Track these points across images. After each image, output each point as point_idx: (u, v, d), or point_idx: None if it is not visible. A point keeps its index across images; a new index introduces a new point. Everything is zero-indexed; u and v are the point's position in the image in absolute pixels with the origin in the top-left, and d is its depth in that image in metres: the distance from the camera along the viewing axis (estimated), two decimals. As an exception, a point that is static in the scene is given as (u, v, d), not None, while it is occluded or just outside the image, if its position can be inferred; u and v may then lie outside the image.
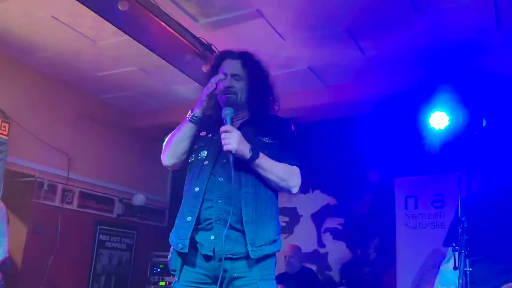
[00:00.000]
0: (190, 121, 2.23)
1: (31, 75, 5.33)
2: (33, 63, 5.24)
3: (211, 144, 2.25)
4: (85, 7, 3.66)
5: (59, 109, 5.60)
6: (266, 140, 2.24)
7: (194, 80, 4.40)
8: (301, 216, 6.31)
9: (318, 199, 6.26)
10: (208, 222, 2.11)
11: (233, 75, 2.29)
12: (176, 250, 2.15)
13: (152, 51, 4.18)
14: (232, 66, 2.32)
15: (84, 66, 5.28)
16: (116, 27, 3.87)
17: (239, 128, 2.19)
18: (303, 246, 5.57)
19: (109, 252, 6.22)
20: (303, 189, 6.34)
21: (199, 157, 2.24)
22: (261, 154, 2.13)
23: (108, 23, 3.87)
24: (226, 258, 2.05)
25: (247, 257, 2.07)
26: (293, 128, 2.38)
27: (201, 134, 2.31)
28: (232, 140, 2.08)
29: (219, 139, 2.13)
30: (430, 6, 3.96)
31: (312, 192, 6.31)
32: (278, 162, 2.18)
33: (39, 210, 5.30)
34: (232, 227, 2.06)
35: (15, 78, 5.14)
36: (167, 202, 7.13)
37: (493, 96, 4.92)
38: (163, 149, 2.33)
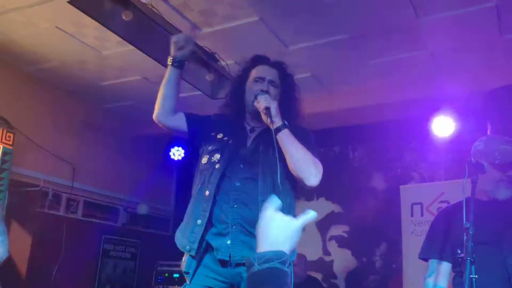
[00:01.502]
0: (171, 64, 2.27)
1: (35, 85, 5.35)
2: (37, 73, 5.27)
3: (226, 148, 2.25)
4: (89, 18, 3.68)
5: (63, 119, 5.62)
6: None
7: (197, 89, 4.41)
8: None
9: (323, 207, 6.23)
10: (224, 226, 2.09)
11: (270, 82, 2.33)
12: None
13: (156, 60, 4.19)
14: (270, 72, 2.36)
15: (89, 76, 5.31)
16: (120, 37, 3.88)
17: (260, 134, 2.20)
18: (308, 254, 5.54)
19: (113, 261, 6.21)
20: (308, 196, 6.34)
21: (212, 160, 2.23)
22: (288, 131, 2.13)
23: (112, 33, 3.90)
24: (241, 264, 2.03)
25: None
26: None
27: (217, 136, 2.31)
28: (272, 102, 2.13)
29: (235, 143, 2.14)
30: (433, 13, 3.96)
31: (317, 200, 6.30)
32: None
33: (44, 220, 5.31)
34: (248, 233, 2.04)
35: (19, 88, 5.17)
36: (171, 211, 7.12)
37: (497, 102, 4.90)
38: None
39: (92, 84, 5.47)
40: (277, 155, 2.06)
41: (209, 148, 2.28)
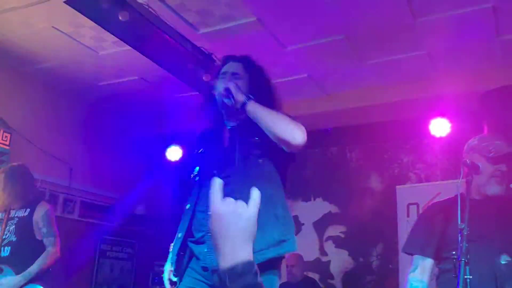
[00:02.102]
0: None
1: (32, 85, 5.35)
2: (34, 73, 5.26)
3: (202, 159, 2.30)
4: (86, 18, 3.68)
5: (60, 119, 5.62)
6: (258, 139, 2.18)
7: (195, 89, 4.41)
8: (303, 224, 6.28)
9: (320, 207, 6.24)
10: (201, 234, 2.13)
11: (233, 74, 2.32)
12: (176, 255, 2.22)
13: (152, 60, 4.19)
14: (232, 66, 2.36)
15: (85, 76, 5.30)
16: (117, 37, 3.89)
17: (233, 130, 2.23)
18: (305, 254, 5.54)
19: (110, 261, 6.20)
20: (305, 197, 6.34)
21: (193, 174, 2.30)
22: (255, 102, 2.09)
23: (108, 33, 3.90)
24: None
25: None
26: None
27: (198, 152, 2.37)
28: (229, 82, 2.11)
29: (211, 154, 2.19)
30: (429, 14, 3.97)
31: (314, 200, 6.30)
32: None
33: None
34: None
35: (16, 88, 5.16)
36: (168, 211, 7.11)
37: (494, 103, 4.92)
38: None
39: (89, 84, 5.47)
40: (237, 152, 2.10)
41: (194, 165, 2.36)
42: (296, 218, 6.29)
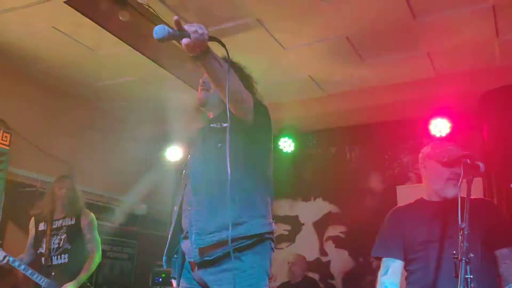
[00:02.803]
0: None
1: (32, 85, 5.34)
2: (33, 74, 5.25)
3: (190, 155, 2.32)
4: (86, 18, 3.69)
5: (60, 119, 5.61)
6: (218, 125, 2.19)
7: (195, 89, 4.41)
8: (303, 224, 6.29)
9: (320, 207, 6.24)
10: (186, 230, 2.16)
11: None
12: (173, 259, 2.27)
13: (152, 60, 4.19)
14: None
15: (85, 76, 5.30)
16: (117, 37, 3.89)
17: (203, 129, 2.27)
18: (305, 254, 5.55)
19: (110, 262, 6.20)
20: (305, 197, 6.35)
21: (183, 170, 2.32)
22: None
23: (108, 33, 3.90)
24: (201, 265, 2.09)
25: (195, 245, 2.04)
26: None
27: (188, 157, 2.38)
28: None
29: (191, 153, 2.24)
30: (429, 14, 3.97)
31: (314, 200, 6.31)
32: None
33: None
34: (201, 231, 2.07)
35: (16, 89, 5.16)
36: (168, 211, 7.11)
37: (494, 103, 4.92)
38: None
39: (89, 84, 5.46)
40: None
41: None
42: (296, 218, 6.31)
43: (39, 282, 3.71)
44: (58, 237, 3.87)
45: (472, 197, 2.10)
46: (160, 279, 5.98)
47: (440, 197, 2.43)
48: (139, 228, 6.62)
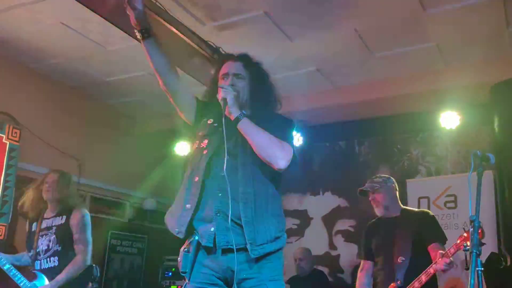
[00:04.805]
0: (142, 39, 2.27)
1: (41, 81, 5.37)
2: (42, 70, 5.28)
3: (214, 134, 2.27)
4: (94, 13, 3.69)
5: (69, 115, 5.64)
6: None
7: (202, 84, 4.40)
8: (312, 218, 6.28)
9: (329, 201, 6.23)
10: (208, 213, 2.13)
11: (235, 75, 2.34)
12: (184, 252, 2.16)
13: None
14: (233, 66, 2.37)
15: (93, 72, 5.32)
16: (125, 32, 3.89)
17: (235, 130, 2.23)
18: (314, 248, 5.54)
19: (120, 256, 6.24)
20: (314, 191, 6.33)
21: (201, 146, 2.27)
22: (248, 119, 2.16)
23: (116, 28, 3.90)
24: (227, 250, 2.07)
25: (251, 255, 2.07)
26: (292, 126, 2.37)
27: (208, 122, 2.34)
28: (229, 92, 2.16)
29: (221, 132, 2.16)
30: (439, 5, 3.93)
31: (323, 194, 6.29)
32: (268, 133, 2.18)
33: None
34: (231, 221, 2.08)
35: (25, 85, 5.19)
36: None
37: (504, 95, 4.87)
38: None
39: (97, 79, 5.48)
40: (225, 145, 2.08)
41: (200, 133, 2.33)
42: (305, 212, 6.30)
43: (19, 285, 3.46)
44: (47, 237, 3.55)
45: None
46: (170, 274, 6.01)
47: (385, 215, 3.55)
48: (149, 222, 6.65)
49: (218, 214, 2.10)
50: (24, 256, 3.75)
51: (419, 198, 5.39)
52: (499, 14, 4.00)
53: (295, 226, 6.27)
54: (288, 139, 2.23)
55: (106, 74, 5.38)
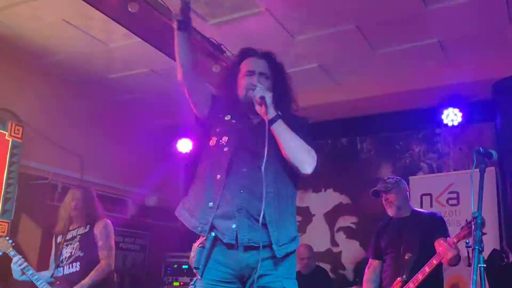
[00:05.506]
0: (177, 29, 2.26)
1: (43, 78, 5.37)
2: (45, 67, 5.28)
3: (234, 131, 2.24)
4: (96, 10, 3.69)
5: (71, 112, 5.64)
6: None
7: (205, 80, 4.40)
8: (314, 215, 6.28)
9: (331, 198, 6.23)
10: (230, 210, 2.10)
11: (261, 74, 2.30)
12: (199, 248, 2.14)
13: (162, 52, 4.19)
14: (259, 64, 2.33)
15: (96, 69, 5.32)
16: (127, 29, 3.89)
17: (259, 124, 2.21)
18: (316, 245, 5.54)
19: (123, 253, 6.25)
20: (316, 188, 6.33)
21: (220, 143, 2.22)
22: (282, 121, 2.17)
23: (118, 25, 3.90)
24: (249, 248, 2.06)
25: (271, 251, 2.09)
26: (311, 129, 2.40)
27: (225, 118, 2.30)
28: (266, 91, 2.15)
29: (244, 127, 2.18)
30: (441, 1, 3.92)
31: (325, 191, 6.29)
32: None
33: (54, 212, 5.33)
34: (253, 219, 2.08)
35: (27, 82, 5.19)
36: (180, 202, 7.13)
37: (507, 92, 4.86)
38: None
39: (99, 76, 5.48)
40: (266, 145, 2.06)
41: (217, 130, 2.27)
42: (307, 209, 6.30)
43: None
44: (71, 246, 3.79)
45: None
46: (173, 270, 6.02)
47: (396, 215, 3.66)
48: (151, 219, 6.66)
49: (240, 212, 2.09)
50: (47, 273, 3.86)
51: (422, 195, 5.38)
52: (501, 10, 3.99)
53: (297, 223, 6.27)
54: (313, 144, 2.26)
55: (108, 71, 5.38)
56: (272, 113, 2.15)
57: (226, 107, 2.31)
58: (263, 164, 2.04)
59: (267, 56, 2.38)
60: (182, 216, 2.26)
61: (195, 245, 2.17)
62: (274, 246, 2.07)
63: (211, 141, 2.27)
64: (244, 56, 2.39)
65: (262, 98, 2.14)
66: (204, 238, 2.14)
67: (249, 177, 2.12)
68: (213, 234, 2.12)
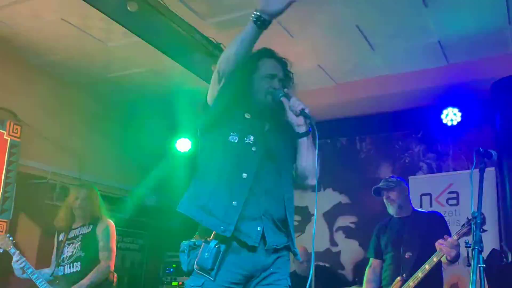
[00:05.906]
0: (254, 22, 2.14)
1: (41, 77, 5.36)
2: (43, 66, 5.27)
3: (258, 131, 2.20)
4: (95, 9, 3.68)
5: (70, 111, 5.64)
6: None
7: (203, 80, 4.40)
8: (313, 215, 6.27)
9: (330, 198, 6.22)
10: (255, 212, 2.07)
11: (280, 80, 2.28)
12: (215, 248, 2.04)
13: (161, 51, 4.18)
14: (279, 69, 2.30)
15: (95, 68, 5.31)
16: (126, 28, 3.88)
17: (275, 129, 2.25)
18: (315, 245, 5.52)
19: (121, 253, 6.23)
20: (314, 187, 6.32)
21: (246, 141, 2.15)
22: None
23: (117, 24, 3.89)
24: (268, 250, 2.11)
25: (298, 259, 2.29)
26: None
27: (245, 116, 2.23)
28: (303, 104, 2.14)
29: (270, 130, 2.21)
30: (441, 1, 3.92)
31: (324, 191, 6.28)
32: None
33: (52, 212, 5.32)
34: (276, 224, 2.14)
35: (26, 81, 5.18)
36: (178, 202, 7.11)
37: (506, 91, 4.86)
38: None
39: (98, 76, 5.47)
40: (317, 160, 2.18)
41: (238, 126, 2.18)
42: (306, 208, 6.29)
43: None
44: (73, 245, 3.79)
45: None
46: (171, 270, 6.02)
47: (398, 215, 3.70)
48: (150, 219, 6.65)
49: (265, 215, 2.09)
50: (49, 270, 3.87)
51: (421, 195, 5.38)
52: (501, 10, 3.98)
53: (296, 223, 6.26)
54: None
55: (107, 71, 5.37)
56: (306, 126, 2.20)
57: (243, 104, 2.24)
58: (313, 179, 2.27)
59: (284, 63, 2.34)
60: (194, 213, 2.14)
61: (210, 246, 2.04)
62: (293, 249, 2.20)
63: (230, 137, 2.16)
64: (263, 55, 2.32)
65: (304, 110, 2.12)
66: (221, 239, 2.04)
67: (272, 180, 2.14)
68: (232, 235, 2.04)
